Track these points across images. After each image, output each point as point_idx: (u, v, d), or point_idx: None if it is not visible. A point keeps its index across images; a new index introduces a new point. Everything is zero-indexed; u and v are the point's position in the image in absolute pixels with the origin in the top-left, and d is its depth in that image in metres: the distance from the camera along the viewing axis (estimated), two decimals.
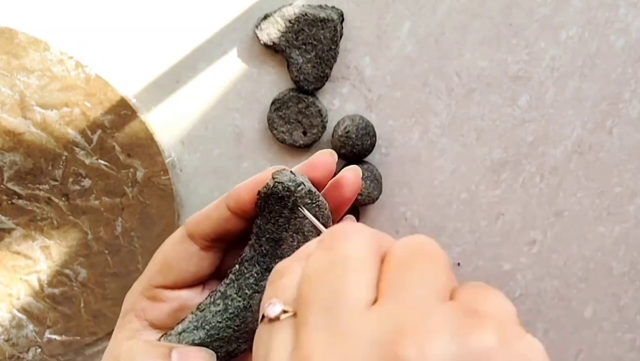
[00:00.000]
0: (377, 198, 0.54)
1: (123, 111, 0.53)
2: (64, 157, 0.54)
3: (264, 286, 0.27)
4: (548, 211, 0.57)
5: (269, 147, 0.55)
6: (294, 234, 0.27)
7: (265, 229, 0.27)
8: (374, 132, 0.53)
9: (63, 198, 0.55)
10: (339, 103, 0.55)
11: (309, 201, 0.27)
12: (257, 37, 0.52)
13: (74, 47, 0.53)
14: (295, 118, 0.53)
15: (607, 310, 0.59)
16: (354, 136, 0.52)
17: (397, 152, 0.55)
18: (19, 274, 0.56)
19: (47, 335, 0.58)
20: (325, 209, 0.27)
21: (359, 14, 0.53)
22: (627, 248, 0.57)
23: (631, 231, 0.57)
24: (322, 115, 0.53)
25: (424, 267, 0.19)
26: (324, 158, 0.29)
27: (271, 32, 0.51)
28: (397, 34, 0.53)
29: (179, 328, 0.28)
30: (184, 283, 0.28)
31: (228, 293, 0.28)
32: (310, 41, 0.51)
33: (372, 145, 0.53)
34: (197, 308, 0.28)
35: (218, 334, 0.27)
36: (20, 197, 0.55)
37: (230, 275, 0.28)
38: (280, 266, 0.22)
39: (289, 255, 0.27)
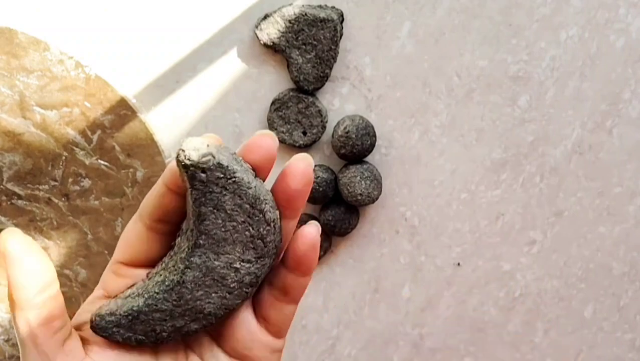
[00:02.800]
0: (377, 198, 0.54)
1: (123, 111, 0.53)
2: (63, 157, 0.54)
3: (194, 263, 0.26)
4: (548, 211, 0.57)
5: None
6: (215, 210, 0.26)
7: (188, 203, 0.27)
8: (374, 132, 0.53)
9: (63, 199, 0.55)
10: (339, 103, 0.55)
11: (221, 175, 0.25)
12: (257, 37, 0.52)
13: (74, 47, 0.53)
14: (295, 118, 0.53)
15: (607, 310, 0.59)
16: (354, 136, 0.52)
17: (397, 152, 0.55)
18: None
19: None
20: (249, 188, 0.26)
21: (359, 14, 0.53)
22: (627, 248, 0.57)
23: (631, 231, 0.57)
24: (322, 115, 0.53)
25: None
26: (262, 139, 0.26)
27: (271, 32, 0.51)
28: (397, 34, 0.53)
29: (127, 292, 0.28)
30: (139, 262, 0.29)
31: (169, 265, 0.28)
32: (310, 41, 0.51)
33: (372, 145, 0.53)
34: (147, 276, 0.28)
35: (156, 305, 0.27)
36: (19, 197, 0.55)
37: (173, 247, 0.28)
38: None
39: (214, 233, 0.26)
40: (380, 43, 0.53)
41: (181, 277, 0.27)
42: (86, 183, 0.54)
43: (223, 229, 0.26)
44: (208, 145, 0.25)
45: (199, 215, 0.26)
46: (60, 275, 0.56)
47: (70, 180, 0.54)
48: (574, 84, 0.54)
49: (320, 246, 0.56)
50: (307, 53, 0.52)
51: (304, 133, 0.54)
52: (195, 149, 0.25)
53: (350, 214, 0.55)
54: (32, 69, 0.52)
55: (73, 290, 0.57)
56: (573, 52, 0.53)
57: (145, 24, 0.53)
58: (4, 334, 0.57)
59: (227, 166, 0.25)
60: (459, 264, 0.58)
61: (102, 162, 0.54)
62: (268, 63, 0.54)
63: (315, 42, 0.51)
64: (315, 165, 0.55)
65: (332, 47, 0.52)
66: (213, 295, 0.27)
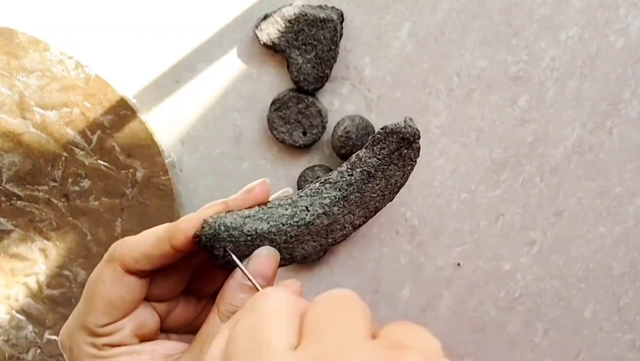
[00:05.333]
0: None
1: (123, 111, 0.53)
2: (63, 158, 0.54)
3: (334, 212, 0.29)
4: (548, 211, 0.57)
5: (269, 147, 0.55)
6: (383, 178, 0.30)
7: (366, 162, 0.29)
8: (374, 132, 0.53)
9: (62, 199, 0.55)
10: (339, 103, 0.55)
11: (413, 156, 0.30)
12: (257, 37, 0.52)
13: (74, 47, 0.53)
14: (295, 118, 0.53)
15: (607, 310, 0.59)
16: (353, 136, 0.52)
17: None
18: (17, 277, 0.56)
19: (47, 335, 0.57)
20: (409, 174, 0.30)
21: (359, 14, 0.53)
22: (627, 248, 0.57)
23: (631, 231, 0.57)
24: (322, 115, 0.53)
25: (343, 313, 0.20)
26: (261, 187, 0.30)
27: (271, 32, 0.51)
28: (397, 34, 0.53)
29: (245, 212, 0.29)
30: (132, 310, 0.28)
31: (299, 203, 0.29)
32: (310, 41, 0.51)
33: None
34: (265, 204, 0.29)
35: (275, 235, 0.29)
36: (19, 198, 0.54)
37: (306, 190, 0.30)
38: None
39: (366, 194, 0.30)
40: (380, 43, 0.53)
41: (313, 220, 0.29)
42: (86, 183, 0.54)
43: (372, 195, 0.30)
44: (408, 120, 0.29)
45: (370, 176, 0.29)
46: (59, 275, 0.56)
47: (69, 180, 0.54)
48: (574, 84, 0.54)
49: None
50: (307, 53, 0.52)
51: (304, 133, 0.54)
52: (418, 130, 0.29)
53: None
54: (32, 69, 0.52)
55: (72, 291, 0.56)
56: (573, 52, 0.53)
57: (145, 24, 0.53)
58: (4, 334, 0.57)
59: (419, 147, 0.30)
60: (459, 264, 0.58)
61: (101, 162, 0.54)
62: (268, 63, 0.54)
63: (315, 42, 0.51)
64: (315, 165, 0.55)
65: (332, 47, 0.52)
66: (311, 243, 0.30)
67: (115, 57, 0.54)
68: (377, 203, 0.30)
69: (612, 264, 0.58)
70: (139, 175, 0.54)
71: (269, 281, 0.27)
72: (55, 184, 0.54)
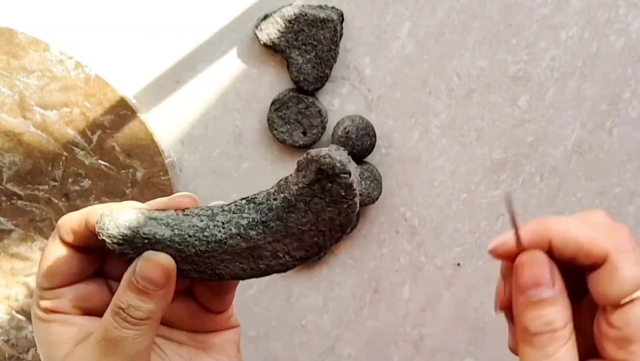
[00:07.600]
0: (377, 198, 0.54)
1: (123, 111, 0.53)
2: (63, 158, 0.54)
3: (252, 236, 0.26)
4: (548, 211, 0.57)
5: (269, 147, 0.55)
6: (308, 211, 0.26)
7: (289, 187, 0.27)
8: (374, 132, 0.53)
9: (63, 199, 0.55)
10: (339, 103, 0.55)
11: (343, 193, 0.26)
12: (257, 37, 0.52)
13: (74, 47, 0.53)
14: (295, 118, 0.53)
15: None
16: (354, 136, 0.52)
17: (397, 152, 0.55)
18: (17, 276, 0.56)
19: None
20: (352, 212, 0.27)
21: (359, 14, 0.53)
22: None
23: (631, 231, 0.57)
24: (322, 116, 0.53)
25: None
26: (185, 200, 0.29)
27: (271, 32, 0.51)
28: (397, 34, 0.53)
29: (155, 213, 0.27)
30: (71, 282, 0.29)
31: (217, 218, 0.27)
32: (310, 41, 0.51)
33: (372, 146, 0.53)
34: (183, 210, 0.27)
35: (179, 245, 0.27)
36: (19, 197, 0.54)
37: (232, 204, 0.28)
38: None
39: (290, 226, 0.26)
40: (380, 43, 0.53)
41: (225, 239, 0.27)
42: (86, 183, 0.54)
43: (302, 227, 0.26)
44: (347, 160, 0.26)
45: (291, 205, 0.26)
46: None
47: (70, 180, 0.54)
48: (574, 84, 0.54)
49: None
50: (307, 53, 0.52)
51: (304, 133, 0.54)
52: (343, 164, 0.25)
53: None
54: (32, 69, 0.52)
55: None
56: (573, 52, 0.53)
57: (145, 24, 0.53)
58: (4, 334, 0.57)
59: (354, 182, 0.26)
60: (459, 264, 0.58)
61: (102, 162, 0.54)
62: (268, 63, 0.54)
63: (315, 42, 0.51)
64: None
65: (332, 47, 0.52)
66: (237, 263, 0.27)
67: (115, 57, 0.54)
68: (315, 239, 0.27)
69: None
70: (139, 175, 0.54)
71: (159, 287, 0.26)
72: (56, 184, 0.54)
